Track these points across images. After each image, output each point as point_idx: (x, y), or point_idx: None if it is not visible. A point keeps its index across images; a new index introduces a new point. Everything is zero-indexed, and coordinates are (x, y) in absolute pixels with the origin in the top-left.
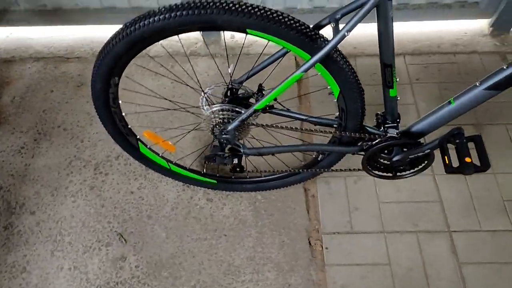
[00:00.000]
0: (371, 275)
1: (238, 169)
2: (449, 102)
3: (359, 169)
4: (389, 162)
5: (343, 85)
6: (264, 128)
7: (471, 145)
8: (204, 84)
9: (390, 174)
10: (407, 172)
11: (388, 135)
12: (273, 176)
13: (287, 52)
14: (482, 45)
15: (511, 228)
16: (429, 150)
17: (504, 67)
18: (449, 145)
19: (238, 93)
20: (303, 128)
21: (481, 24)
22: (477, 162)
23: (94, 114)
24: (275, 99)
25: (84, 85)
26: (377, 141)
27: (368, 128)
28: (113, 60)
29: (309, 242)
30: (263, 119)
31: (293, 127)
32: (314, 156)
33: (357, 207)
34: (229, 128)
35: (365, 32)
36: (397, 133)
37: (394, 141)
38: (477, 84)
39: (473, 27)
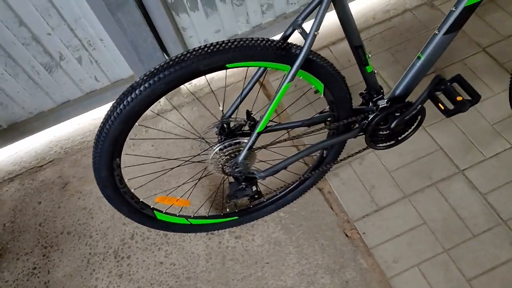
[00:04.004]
0: (414, 239)
1: (257, 196)
2: (418, 57)
3: (360, 150)
4: (389, 131)
5: (326, 80)
6: (265, 147)
7: (455, 86)
8: (186, 133)
9: (393, 142)
10: (407, 133)
11: (380, 106)
12: (288, 189)
13: (265, 70)
14: (410, 2)
15: (508, 145)
16: (420, 105)
17: (453, 9)
18: (437, 93)
19: (231, 126)
20: (302, 133)
21: None
22: (467, 97)
23: (91, 207)
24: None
25: (68, 184)
26: (372, 116)
27: (359, 109)
28: (112, 143)
29: (346, 235)
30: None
31: (290, 137)
32: (318, 155)
33: (373, 185)
34: (240, 159)
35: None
36: (387, 102)
37: (387, 110)
38: (436, 32)
39: None
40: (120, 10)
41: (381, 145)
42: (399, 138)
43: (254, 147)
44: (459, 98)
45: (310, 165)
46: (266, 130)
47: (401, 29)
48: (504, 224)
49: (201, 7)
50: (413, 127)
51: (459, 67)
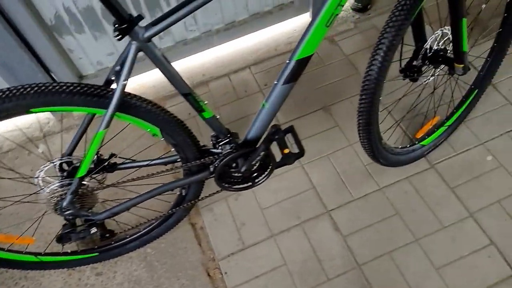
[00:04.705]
0: (271, 281)
1: (107, 235)
2: (263, 106)
3: (219, 191)
4: (241, 174)
5: (159, 124)
6: (116, 186)
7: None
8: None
9: (250, 183)
10: (262, 176)
11: (225, 151)
12: (152, 226)
13: (93, 115)
14: None
15: (377, 187)
16: (263, 152)
17: (287, 61)
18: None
19: (76, 164)
20: (151, 173)
21: (305, 19)
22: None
23: None
24: (115, 155)
25: None
26: (218, 160)
27: (211, 151)
28: None
29: (208, 274)
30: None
31: (142, 176)
32: (178, 193)
33: (243, 222)
34: (65, 204)
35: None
36: (231, 147)
37: (232, 154)
38: (276, 82)
39: (300, 23)
40: None
41: (236, 187)
42: (256, 181)
43: (90, 189)
44: (285, 151)
45: (171, 203)
46: (109, 170)
47: None
48: (358, 268)
49: (87, 30)
50: (267, 171)
51: (346, 105)
